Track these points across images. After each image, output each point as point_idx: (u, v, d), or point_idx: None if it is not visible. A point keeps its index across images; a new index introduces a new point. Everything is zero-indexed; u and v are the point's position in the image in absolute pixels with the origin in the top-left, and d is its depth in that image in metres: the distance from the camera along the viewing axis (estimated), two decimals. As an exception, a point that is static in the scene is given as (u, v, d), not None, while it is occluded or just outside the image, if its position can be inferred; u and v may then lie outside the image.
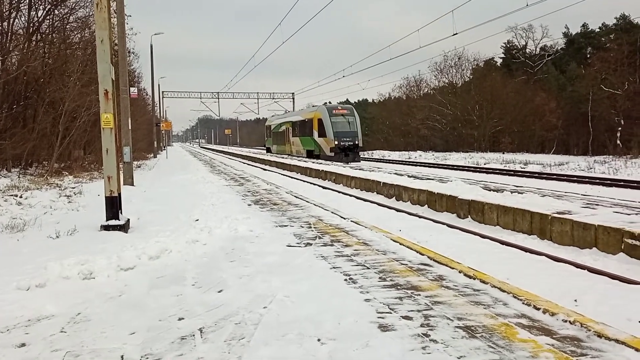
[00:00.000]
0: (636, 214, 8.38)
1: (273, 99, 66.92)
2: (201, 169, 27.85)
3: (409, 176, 17.01)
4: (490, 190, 11.94)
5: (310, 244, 7.10)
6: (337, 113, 33.55)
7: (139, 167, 29.59)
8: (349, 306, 4.41)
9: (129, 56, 27.86)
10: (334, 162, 27.69)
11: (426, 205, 13.09)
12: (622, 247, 7.20)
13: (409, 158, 42.56)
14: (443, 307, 4.37)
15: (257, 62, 41.50)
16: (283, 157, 38.44)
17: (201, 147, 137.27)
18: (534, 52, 58.15)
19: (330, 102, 36.61)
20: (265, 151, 53.98)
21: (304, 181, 22.48)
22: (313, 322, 4.06)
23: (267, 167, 34.90)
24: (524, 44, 58.35)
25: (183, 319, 4.31)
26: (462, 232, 9.90)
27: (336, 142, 32.17)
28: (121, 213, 8.97)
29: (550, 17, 50.83)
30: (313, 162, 28.43)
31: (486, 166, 29.76)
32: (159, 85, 62.75)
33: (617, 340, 3.48)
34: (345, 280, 5.27)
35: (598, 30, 50.40)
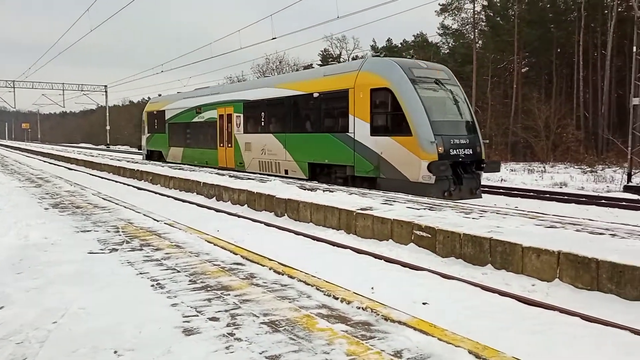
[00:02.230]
0: (424, 208, 9.57)
1: (82, 90, 60.96)
2: (-11, 169, 24.03)
3: (229, 176, 16.97)
4: (305, 190, 12.53)
5: (116, 250, 6.59)
6: (425, 77, 13.94)
7: None
8: (153, 313, 4.19)
9: None
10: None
11: (246, 205, 13.22)
12: (412, 238, 8.17)
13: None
14: (251, 304, 4.42)
15: (61, 49, 35.44)
16: (102, 157, 34.45)
17: None
18: (347, 61, 62.93)
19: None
20: (144, 157, 30.42)
21: (116, 181, 20.94)
22: (110, 334, 3.76)
23: (73, 166, 31.64)
24: (339, 53, 62.83)
25: (-54, 345, 3.63)
26: (278, 229, 10.22)
27: (441, 149, 12.90)
28: None
29: (360, 30, 55.72)
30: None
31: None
32: None
33: (399, 322, 3.90)
34: (152, 286, 5.00)
35: (400, 45, 56.64)
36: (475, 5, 47.08)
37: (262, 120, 18.89)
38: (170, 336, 3.71)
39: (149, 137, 29.20)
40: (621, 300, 5.53)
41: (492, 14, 46.63)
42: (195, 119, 23.55)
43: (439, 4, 46.88)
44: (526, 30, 41.25)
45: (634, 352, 4.37)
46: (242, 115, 20.05)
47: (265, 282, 5.14)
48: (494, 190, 17.48)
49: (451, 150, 13.10)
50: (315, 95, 16.13)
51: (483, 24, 48.07)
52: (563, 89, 42.54)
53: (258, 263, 5.92)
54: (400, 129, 13.27)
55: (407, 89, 13.35)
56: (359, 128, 14.33)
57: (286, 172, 17.63)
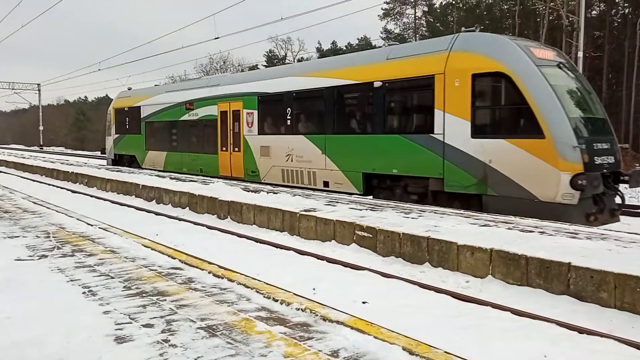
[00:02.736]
0: (366, 209, 9.71)
1: (13, 89, 57.66)
2: None
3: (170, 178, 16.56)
4: (249, 191, 12.43)
5: (46, 256, 6.27)
6: (548, 59, 10.29)
7: None
8: (83, 321, 4.02)
9: None
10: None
11: (187, 208, 12.94)
12: (354, 238, 8.27)
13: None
14: (188, 309, 4.33)
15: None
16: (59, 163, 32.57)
17: None
18: (292, 62, 63.02)
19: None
20: (109, 162, 25.03)
21: (49, 184, 19.96)
22: (37, 344, 3.57)
23: (3, 168, 29.88)
24: (284, 54, 62.83)
25: None
26: (220, 232, 10.08)
27: (586, 159, 9.12)
28: None
29: (305, 32, 55.94)
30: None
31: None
32: None
33: (337, 322, 3.94)
34: (84, 293, 4.79)
35: (344, 48, 57.29)
36: (416, 10, 48.49)
37: (288, 117, 14.54)
38: (100, 345, 3.57)
39: (118, 138, 23.77)
40: (548, 294, 5.84)
41: (432, 20, 48.10)
42: (185, 117, 18.86)
43: (381, 9, 47.90)
44: (464, 36, 42.82)
45: (559, 342, 4.62)
46: (255, 111, 15.68)
47: (203, 287, 5.04)
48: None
49: (596, 158, 9.44)
50: (377, 84, 12.08)
51: (424, 29, 49.51)
52: (499, 93, 44.41)
53: (197, 267, 5.80)
54: (525, 129, 9.66)
55: (532, 74, 9.65)
56: (452, 127, 10.52)
57: (326, 184, 13.49)
